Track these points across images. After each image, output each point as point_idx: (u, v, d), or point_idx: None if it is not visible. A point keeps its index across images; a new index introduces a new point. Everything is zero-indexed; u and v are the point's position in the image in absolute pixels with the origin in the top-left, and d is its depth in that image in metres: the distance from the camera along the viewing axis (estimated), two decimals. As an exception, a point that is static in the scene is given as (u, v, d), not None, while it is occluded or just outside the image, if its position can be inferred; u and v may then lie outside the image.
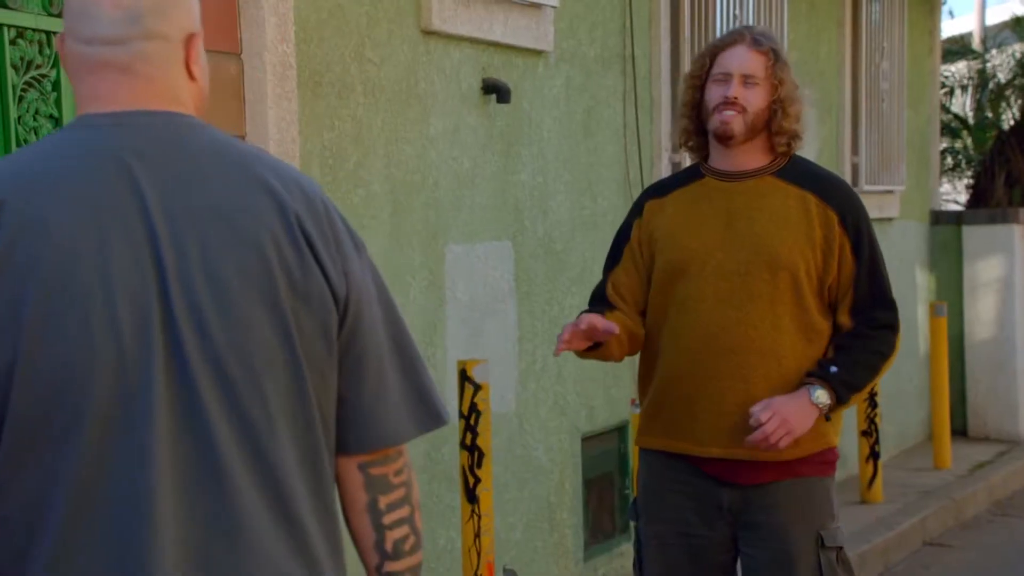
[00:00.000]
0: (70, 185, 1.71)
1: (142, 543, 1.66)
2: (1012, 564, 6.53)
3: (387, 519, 1.85)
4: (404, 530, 1.87)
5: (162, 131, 1.77)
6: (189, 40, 1.80)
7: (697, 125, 3.29)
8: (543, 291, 5.08)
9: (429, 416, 1.88)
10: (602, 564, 5.46)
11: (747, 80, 3.19)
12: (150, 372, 1.67)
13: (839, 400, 3.12)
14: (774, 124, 3.22)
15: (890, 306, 3.21)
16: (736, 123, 3.19)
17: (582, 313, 3.15)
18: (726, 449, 3.16)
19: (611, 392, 5.47)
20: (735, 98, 3.17)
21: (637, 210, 3.35)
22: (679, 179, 3.38)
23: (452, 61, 4.56)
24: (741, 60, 3.20)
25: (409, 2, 4.34)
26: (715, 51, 3.26)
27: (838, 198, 3.20)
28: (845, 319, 3.19)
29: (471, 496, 3.98)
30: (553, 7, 4.99)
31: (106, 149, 1.73)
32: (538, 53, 5.00)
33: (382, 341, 1.84)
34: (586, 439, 5.37)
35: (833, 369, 3.12)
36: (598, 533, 5.51)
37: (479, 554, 3.97)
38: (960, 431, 8.97)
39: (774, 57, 3.21)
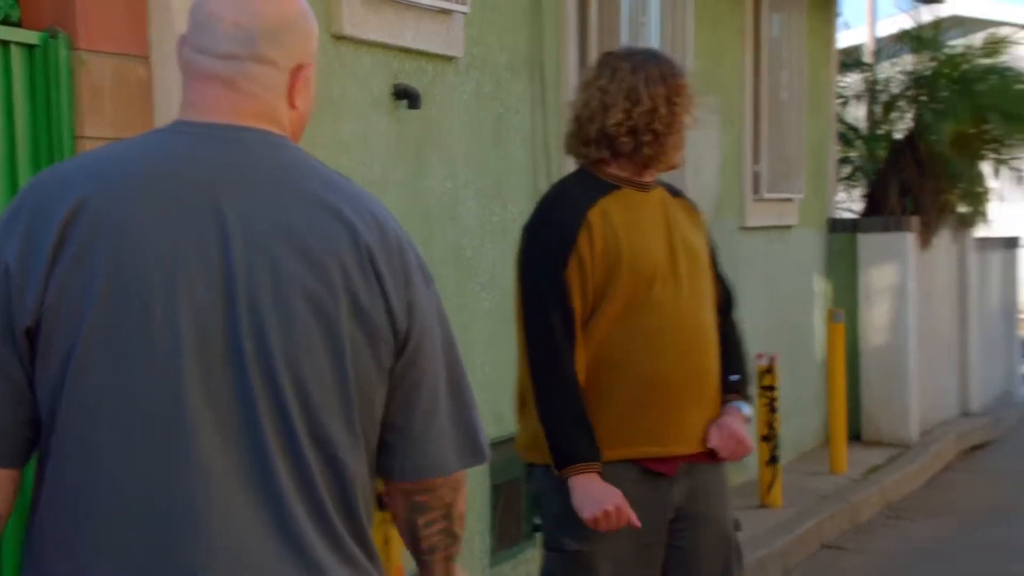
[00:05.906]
0: (152, 189, 1.76)
1: (185, 547, 1.71)
2: (905, 566, 6.67)
3: (425, 532, 1.98)
4: (439, 537, 1.99)
5: (250, 148, 1.82)
6: (296, 70, 1.86)
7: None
8: (453, 297, 5.07)
9: (472, 452, 1.96)
10: (508, 570, 5.47)
11: None
12: (206, 376, 1.72)
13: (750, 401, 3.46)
14: None
15: (732, 290, 3.51)
16: None
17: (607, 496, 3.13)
18: (702, 443, 3.29)
19: (518, 398, 5.47)
20: None
21: (577, 223, 3.17)
22: (597, 187, 3.25)
23: (363, 66, 4.54)
24: None
25: (320, 7, 4.31)
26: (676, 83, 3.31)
27: (692, 201, 3.48)
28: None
29: (381, 503, 3.95)
30: (463, 13, 4.99)
31: (193, 158, 1.79)
32: (448, 59, 5.00)
33: (439, 373, 1.91)
34: (494, 445, 5.34)
35: (734, 377, 3.41)
36: (505, 539, 5.52)
37: (388, 559, 3.95)
38: (854, 435, 9.14)
39: None
